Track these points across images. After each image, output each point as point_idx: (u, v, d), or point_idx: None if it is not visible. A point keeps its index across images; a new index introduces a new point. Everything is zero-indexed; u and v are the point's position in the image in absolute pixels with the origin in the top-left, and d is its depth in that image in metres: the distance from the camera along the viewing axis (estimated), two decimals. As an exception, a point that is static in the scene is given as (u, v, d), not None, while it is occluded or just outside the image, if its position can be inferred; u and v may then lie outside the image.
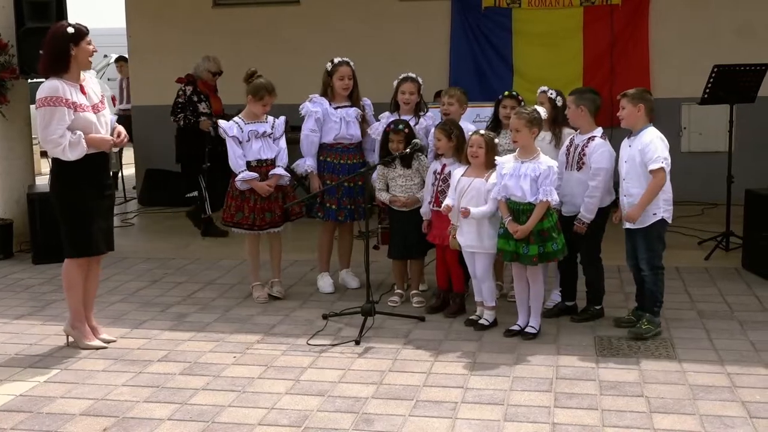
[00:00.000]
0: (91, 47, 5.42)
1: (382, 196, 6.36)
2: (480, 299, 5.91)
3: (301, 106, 6.65)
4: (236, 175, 6.41)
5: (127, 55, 12.36)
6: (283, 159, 6.52)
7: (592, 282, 5.93)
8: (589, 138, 5.72)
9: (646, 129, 5.47)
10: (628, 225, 5.57)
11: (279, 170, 6.45)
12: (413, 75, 6.57)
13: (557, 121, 6.02)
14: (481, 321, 5.80)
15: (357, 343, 5.52)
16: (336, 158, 6.64)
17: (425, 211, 6.15)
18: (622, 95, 5.53)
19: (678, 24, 10.37)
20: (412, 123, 6.38)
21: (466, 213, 5.59)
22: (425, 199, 6.15)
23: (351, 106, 6.66)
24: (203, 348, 5.54)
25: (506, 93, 6.36)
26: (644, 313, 5.60)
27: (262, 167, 6.44)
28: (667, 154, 5.42)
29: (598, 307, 5.95)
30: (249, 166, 6.42)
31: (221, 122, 6.49)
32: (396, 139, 6.20)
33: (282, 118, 6.57)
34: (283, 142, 6.53)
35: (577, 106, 5.72)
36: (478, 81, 10.56)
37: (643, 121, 5.49)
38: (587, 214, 5.71)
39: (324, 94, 6.65)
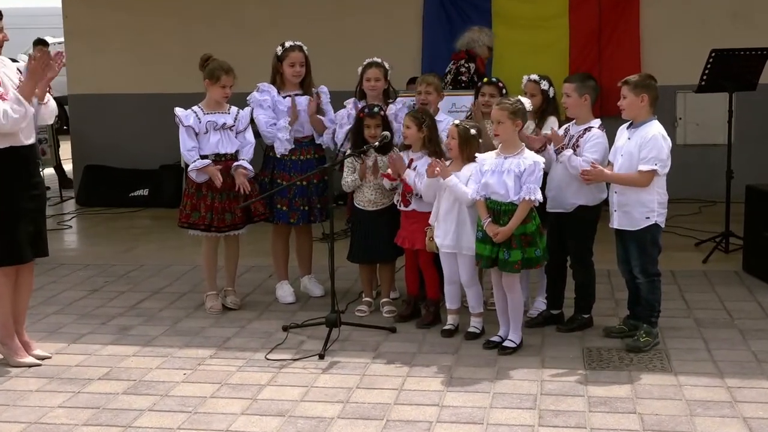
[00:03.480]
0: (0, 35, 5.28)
1: (349, 180, 6.28)
2: (455, 307, 5.92)
3: (249, 96, 6.64)
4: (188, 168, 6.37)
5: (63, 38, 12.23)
6: (249, 153, 6.49)
7: (582, 286, 5.95)
8: (587, 129, 5.75)
9: (649, 123, 5.48)
10: (615, 225, 5.59)
11: (242, 163, 6.41)
12: (378, 60, 6.58)
13: (546, 112, 6.05)
14: (471, 329, 5.82)
15: (321, 357, 5.51)
16: (287, 154, 6.63)
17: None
18: (623, 82, 5.53)
19: (672, 6, 10.45)
20: None
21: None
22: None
23: (303, 94, 6.65)
24: (149, 364, 5.50)
25: (486, 79, 6.37)
26: (640, 324, 5.62)
27: (220, 162, 6.40)
28: (665, 155, 5.42)
29: (586, 316, 5.97)
30: None
31: (177, 110, 6.43)
32: (373, 124, 6.19)
33: (247, 110, 6.55)
34: (249, 136, 6.51)
35: (580, 95, 5.73)
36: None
37: (646, 112, 5.50)
38: (563, 157, 5.65)
39: (273, 81, 6.65)
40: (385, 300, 6.46)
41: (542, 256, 5.53)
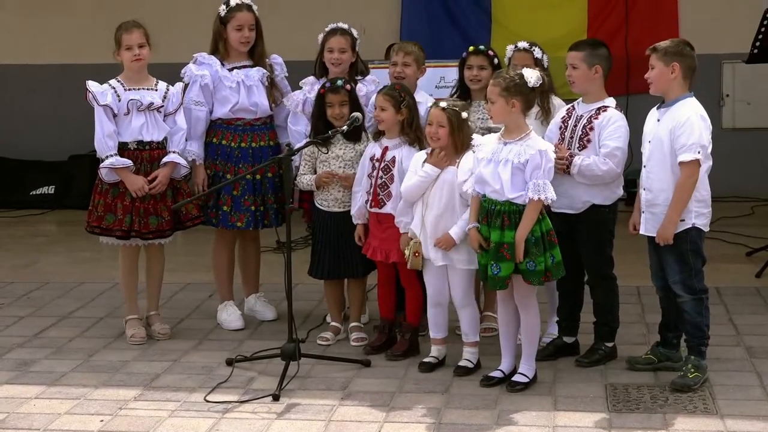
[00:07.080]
0: None
1: (305, 180, 6.34)
2: (440, 335, 5.94)
3: (183, 70, 6.64)
4: (101, 161, 6.36)
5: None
6: (180, 143, 6.51)
7: (603, 307, 5.98)
8: (600, 108, 5.80)
9: (683, 100, 5.52)
10: (643, 231, 5.62)
11: (174, 157, 6.42)
12: (344, 26, 6.62)
13: (546, 88, 6.09)
14: (462, 362, 5.84)
15: (276, 398, 5.52)
16: (235, 140, 6.65)
17: (359, 212, 6.18)
18: (652, 49, 5.58)
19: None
20: None
21: (446, 243, 5.65)
22: (357, 195, 6.16)
23: (253, 66, 6.68)
24: (57, 409, 5.49)
25: (471, 48, 6.42)
26: (673, 353, 5.68)
27: (144, 151, 6.40)
28: (706, 140, 5.46)
29: (610, 345, 6.00)
30: (125, 150, 6.37)
31: (91, 84, 6.40)
32: (337, 101, 6.21)
33: (179, 86, 6.55)
34: (181, 119, 6.52)
35: (590, 67, 5.77)
36: (442, 32, 10.60)
37: (679, 87, 5.54)
38: (575, 169, 5.70)
39: (215, 50, 6.67)
40: (354, 325, 6.48)
41: (543, 270, 5.49)
